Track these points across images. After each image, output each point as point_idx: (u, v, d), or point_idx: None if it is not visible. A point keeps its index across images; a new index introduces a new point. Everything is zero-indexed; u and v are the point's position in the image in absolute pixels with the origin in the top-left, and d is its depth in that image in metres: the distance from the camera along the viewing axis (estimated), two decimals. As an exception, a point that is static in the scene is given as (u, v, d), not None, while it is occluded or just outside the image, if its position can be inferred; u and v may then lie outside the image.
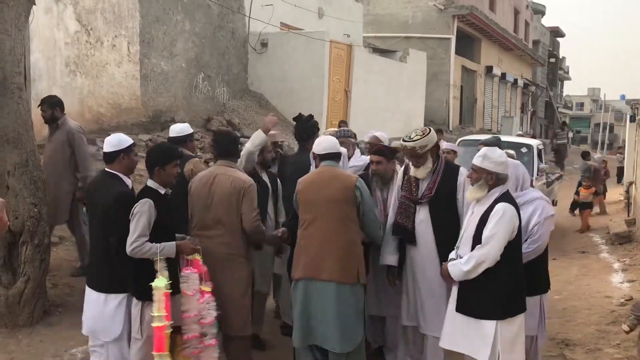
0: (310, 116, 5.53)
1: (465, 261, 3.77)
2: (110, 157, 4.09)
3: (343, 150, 4.62)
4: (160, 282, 3.71)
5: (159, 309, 3.68)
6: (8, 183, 5.02)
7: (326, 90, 14.25)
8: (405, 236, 4.44)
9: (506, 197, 3.78)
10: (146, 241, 3.74)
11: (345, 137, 5.38)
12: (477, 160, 3.85)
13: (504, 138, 12.77)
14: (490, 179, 3.78)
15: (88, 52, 9.72)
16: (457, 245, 3.99)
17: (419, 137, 4.29)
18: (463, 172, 4.34)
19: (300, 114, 5.60)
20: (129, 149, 4.13)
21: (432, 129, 4.47)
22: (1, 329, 5.01)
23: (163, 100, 11.58)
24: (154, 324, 3.69)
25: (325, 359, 4.13)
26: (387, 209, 4.69)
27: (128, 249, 3.72)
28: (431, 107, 21.94)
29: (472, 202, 3.95)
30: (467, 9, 23.23)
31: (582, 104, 69.95)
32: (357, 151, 5.42)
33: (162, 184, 3.93)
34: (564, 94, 59.01)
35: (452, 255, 3.99)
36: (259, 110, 13.86)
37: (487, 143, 6.25)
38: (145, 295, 3.77)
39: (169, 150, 4.08)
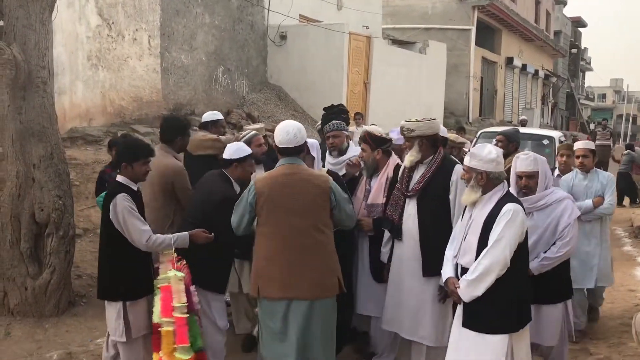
0: (333, 105, 5.50)
1: (472, 270, 3.38)
2: (226, 164, 4.18)
3: (314, 142, 4.33)
4: (172, 273, 3.62)
5: (179, 300, 3.57)
6: (34, 176, 5.10)
7: (345, 82, 14.22)
8: (392, 229, 4.23)
9: (511, 197, 3.49)
10: (152, 232, 3.66)
11: (337, 129, 5.03)
12: (466, 159, 3.56)
13: (525, 130, 12.68)
14: (480, 178, 3.42)
15: (109, 45, 9.80)
16: (452, 254, 3.63)
17: (415, 120, 4.08)
18: (458, 170, 3.95)
19: (332, 104, 5.58)
20: (243, 159, 4.14)
21: (437, 120, 4.21)
22: (28, 318, 5.11)
23: (183, 93, 11.65)
24: (176, 314, 3.56)
25: None
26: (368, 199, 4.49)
27: (142, 243, 3.61)
28: (451, 99, 21.79)
29: (467, 205, 3.56)
30: (487, 0, 22.99)
31: (604, 95, 68.91)
32: (352, 143, 5.16)
33: (132, 179, 3.79)
34: (586, 85, 58.17)
35: (447, 269, 3.63)
36: (278, 103, 13.89)
37: (506, 134, 6.16)
38: (128, 295, 3.71)
39: (138, 147, 3.87)
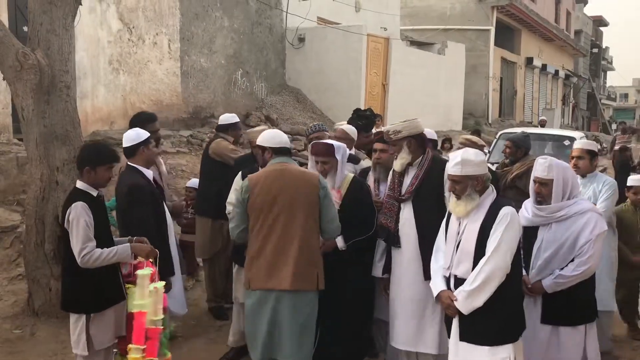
0: (360, 110, 5.44)
1: (472, 279, 3.21)
2: (130, 151, 4.16)
3: (341, 145, 4.25)
4: (152, 287, 3.50)
5: (155, 314, 3.46)
6: (57, 179, 5.16)
7: (363, 84, 14.21)
8: (389, 238, 4.07)
9: (503, 200, 3.38)
10: (95, 247, 3.46)
11: (319, 130, 4.93)
12: (455, 169, 3.31)
13: (545, 130, 12.56)
14: (476, 184, 3.28)
15: (130, 50, 9.92)
16: (442, 265, 3.47)
17: (398, 123, 3.96)
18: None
19: (358, 108, 5.50)
20: (147, 141, 4.17)
21: (418, 120, 4.08)
22: (52, 319, 5.17)
23: (203, 96, 11.74)
24: (134, 310, 3.47)
25: None
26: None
27: (78, 259, 3.42)
28: (470, 100, 21.66)
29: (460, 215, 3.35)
30: (507, 0, 22.82)
31: (626, 95, 67.96)
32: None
33: (93, 185, 3.62)
34: (607, 85, 57.44)
35: (437, 282, 3.46)
36: (297, 105, 13.92)
37: (514, 140, 5.64)
38: (91, 307, 3.55)
39: (103, 151, 3.73)
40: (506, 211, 3.22)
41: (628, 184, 5.31)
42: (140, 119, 5.04)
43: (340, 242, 4.07)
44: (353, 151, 5.01)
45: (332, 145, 4.13)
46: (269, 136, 3.85)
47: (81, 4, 5.36)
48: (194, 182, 6.10)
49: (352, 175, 4.32)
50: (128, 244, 3.66)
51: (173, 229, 4.73)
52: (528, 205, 3.85)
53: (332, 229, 3.80)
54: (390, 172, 4.16)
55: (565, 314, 3.66)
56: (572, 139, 9.97)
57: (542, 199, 3.71)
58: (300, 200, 3.65)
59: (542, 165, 3.70)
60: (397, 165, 3.99)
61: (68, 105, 5.20)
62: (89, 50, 9.10)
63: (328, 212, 3.74)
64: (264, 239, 3.66)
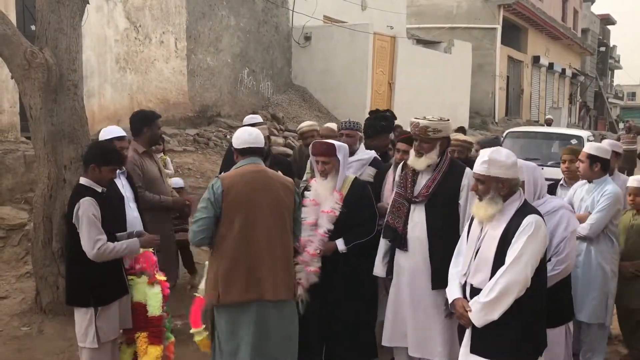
0: (378, 110, 5.34)
1: (488, 291, 2.98)
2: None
3: (343, 145, 4.14)
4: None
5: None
6: (65, 177, 5.18)
7: (370, 83, 14.21)
8: (395, 239, 3.89)
9: (530, 208, 3.10)
10: (107, 240, 3.51)
11: (352, 129, 4.84)
12: (481, 168, 3.05)
13: (552, 129, 12.53)
14: (502, 188, 3.03)
15: (137, 48, 9.95)
16: (460, 272, 3.25)
17: (439, 120, 3.78)
18: (469, 173, 3.67)
19: (377, 109, 5.39)
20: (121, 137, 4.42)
21: (450, 121, 3.94)
22: (60, 316, 5.19)
23: (209, 95, 11.76)
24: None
25: None
26: None
27: (91, 253, 3.47)
28: (477, 99, 21.61)
29: (483, 220, 3.13)
30: (513, -2, 22.79)
31: (633, 94, 67.58)
32: (362, 145, 4.93)
33: (97, 182, 3.67)
34: (615, 84, 57.19)
35: (453, 289, 3.25)
36: (303, 104, 13.94)
37: (483, 144, 5.35)
38: (98, 301, 3.58)
39: (112, 154, 3.80)
40: (531, 220, 2.97)
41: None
42: (139, 118, 5.09)
43: (340, 244, 4.00)
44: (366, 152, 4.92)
45: (333, 144, 4.02)
46: (235, 136, 3.62)
47: (88, 3, 5.37)
48: (177, 181, 6.07)
49: (353, 176, 4.21)
50: (136, 238, 3.75)
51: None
52: None
53: (299, 230, 3.71)
54: (399, 169, 4.04)
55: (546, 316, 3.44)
56: (579, 138, 9.95)
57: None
58: (280, 203, 3.45)
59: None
60: (421, 164, 3.78)
61: (75, 103, 5.21)
62: (96, 49, 9.13)
63: (299, 216, 3.66)
64: (242, 245, 3.36)
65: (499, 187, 3.03)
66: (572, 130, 11.73)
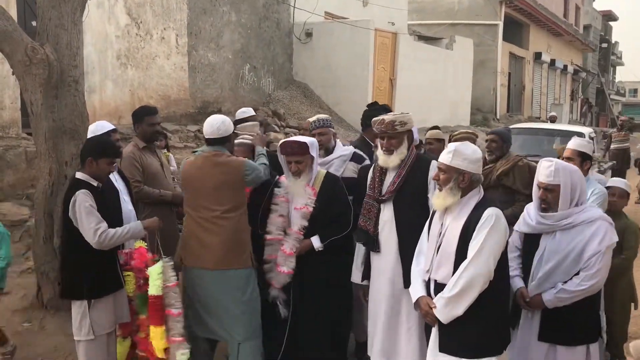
0: (373, 103, 5.36)
1: (452, 286, 2.96)
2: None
3: (314, 140, 4.09)
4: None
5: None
6: (66, 173, 5.18)
7: (371, 79, 14.19)
8: (368, 242, 3.77)
9: (489, 202, 3.09)
10: (107, 227, 3.53)
11: (324, 127, 4.68)
12: (445, 158, 3.07)
13: (554, 126, 12.51)
14: (462, 180, 3.03)
15: (138, 44, 9.94)
16: (422, 269, 3.21)
17: (399, 113, 3.71)
18: (435, 166, 3.48)
19: (375, 102, 5.43)
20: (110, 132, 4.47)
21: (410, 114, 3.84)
22: (61, 312, 5.18)
23: (210, 91, 11.76)
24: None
25: (212, 349, 4.04)
26: None
27: (94, 242, 3.49)
28: (478, 95, 21.60)
29: (438, 212, 3.16)
30: (515, -6, 22.75)
31: (635, 90, 67.50)
32: (338, 141, 4.80)
33: (94, 176, 3.68)
34: (617, 80, 57.10)
35: (416, 287, 3.21)
36: (304, 100, 13.92)
37: (499, 133, 5.20)
38: (92, 294, 3.61)
39: (108, 146, 3.82)
40: (490, 212, 2.96)
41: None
42: (133, 115, 5.13)
43: (316, 242, 3.95)
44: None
45: (305, 143, 3.94)
46: (204, 125, 3.95)
47: (89, -1, 5.37)
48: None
49: (324, 171, 4.16)
50: (139, 221, 3.81)
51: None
52: (531, 210, 3.48)
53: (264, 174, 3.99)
54: (371, 170, 3.90)
55: (565, 332, 3.32)
56: (581, 135, 9.92)
57: (547, 205, 3.32)
58: (220, 187, 3.78)
59: (548, 169, 3.30)
60: (393, 161, 3.66)
61: (77, 99, 5.20)
62: (97, 45, 9.12)
63: (258, 170, 3.90)
64: (193, 220, 3.87)
65: (459, 180, 3.04)
66: (575, 127, 11.70)
